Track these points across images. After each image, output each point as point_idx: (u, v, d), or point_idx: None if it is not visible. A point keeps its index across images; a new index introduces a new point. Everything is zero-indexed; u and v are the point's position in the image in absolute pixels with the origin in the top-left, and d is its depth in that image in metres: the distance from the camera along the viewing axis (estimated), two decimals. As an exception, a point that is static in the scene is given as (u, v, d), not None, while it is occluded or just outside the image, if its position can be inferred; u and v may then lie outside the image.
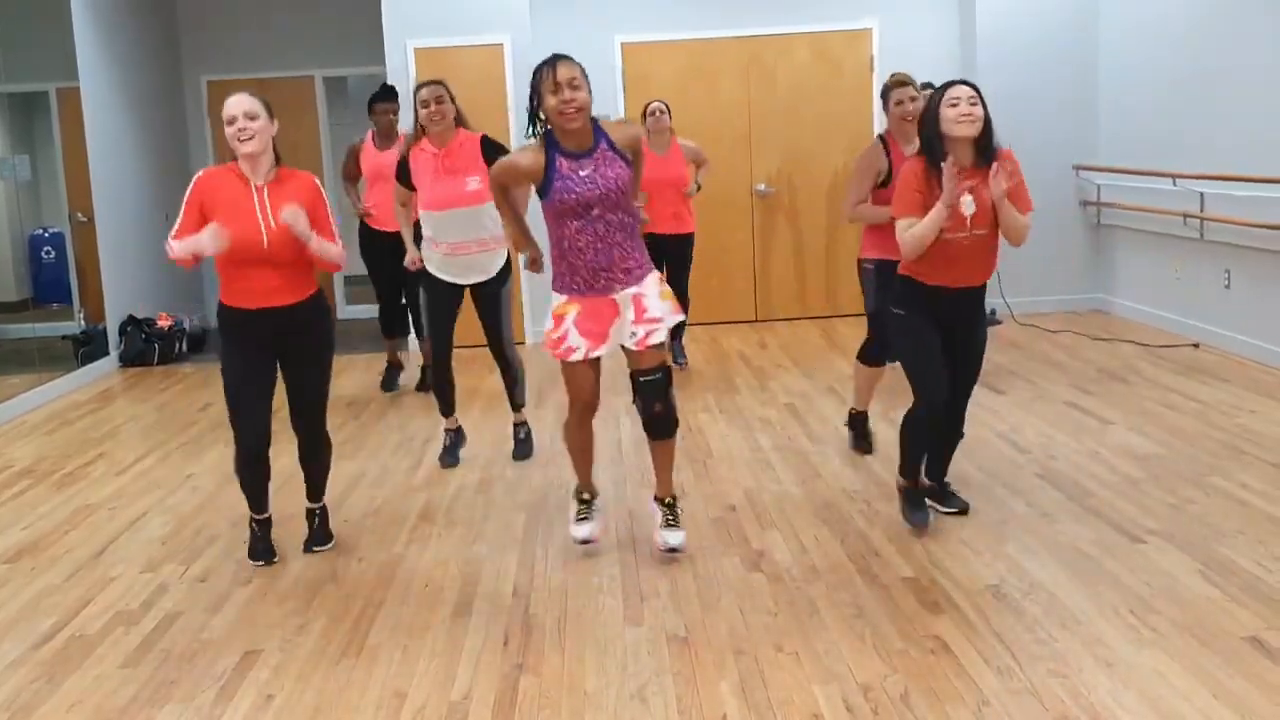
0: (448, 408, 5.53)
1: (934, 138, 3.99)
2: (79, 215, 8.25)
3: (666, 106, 7.27)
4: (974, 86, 4.03)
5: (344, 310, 10.39)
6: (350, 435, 6.10)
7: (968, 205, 3.95)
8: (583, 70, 3.77)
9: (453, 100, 5.13)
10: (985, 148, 3.99)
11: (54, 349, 8.04)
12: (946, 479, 4.46)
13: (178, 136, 9.82)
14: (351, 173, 6.97)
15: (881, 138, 5.12)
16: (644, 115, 7.26)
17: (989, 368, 6.83)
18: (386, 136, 6.78)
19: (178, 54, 9.93)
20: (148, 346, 8.42)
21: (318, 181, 4.12)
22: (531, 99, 3.80)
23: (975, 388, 4.34)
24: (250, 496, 4.28)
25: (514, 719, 3.05)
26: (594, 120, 3.84)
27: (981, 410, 5.94)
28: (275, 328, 4.05)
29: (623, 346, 4.00)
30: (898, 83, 5.09)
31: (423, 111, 5.08)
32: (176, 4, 9.94)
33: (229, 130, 3.89)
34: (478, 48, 8.37)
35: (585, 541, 4.22)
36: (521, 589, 3.92)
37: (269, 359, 4.14)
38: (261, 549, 4.30)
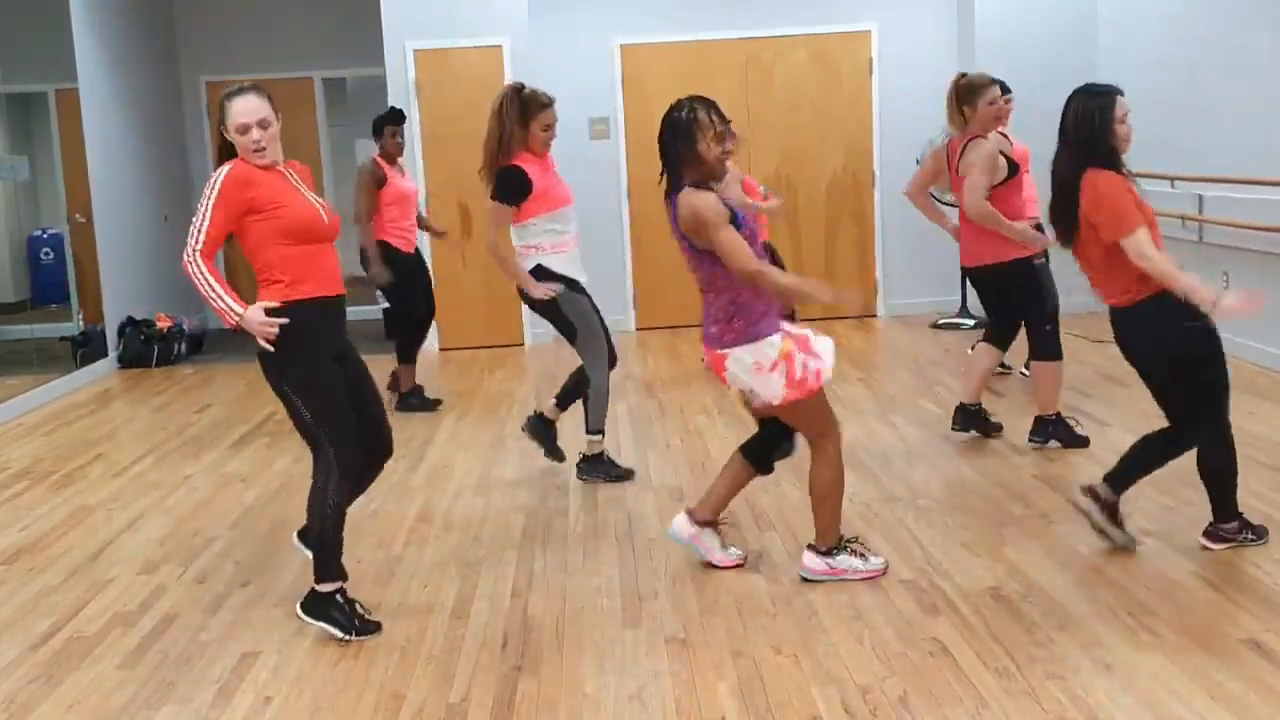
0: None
1: (1111, 150, 3.86)
2: (77, 216, 8.24)
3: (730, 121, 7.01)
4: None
5: (351, 311, 10.37)
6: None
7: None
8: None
9: None
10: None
11: (52, 350, 8.04)
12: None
13: (176, 138, 9.82)
14: (374, 204, 6.47)
15: (952, 137, 5.29)
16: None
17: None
18: (393, 160, 6.58)
19: (176, 55, 9.93)
20: (146, 348, 8.41)
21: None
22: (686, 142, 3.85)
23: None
24: (338, 546, 3.65)
25: (512, 721, 3.05)
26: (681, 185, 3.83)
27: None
28: (340, 318, 3.72)
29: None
30: (992, 82, 5.16)
31: (547, 133, 4.95)
32: (175, 5, 9.94)
33: (243, 139, 3.49)
34: (477, 49, 8.37)
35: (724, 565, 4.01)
36: (520, 590, 3.92)
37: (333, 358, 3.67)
38: (372, 621, 3.67)
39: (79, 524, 4.88)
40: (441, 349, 8.55)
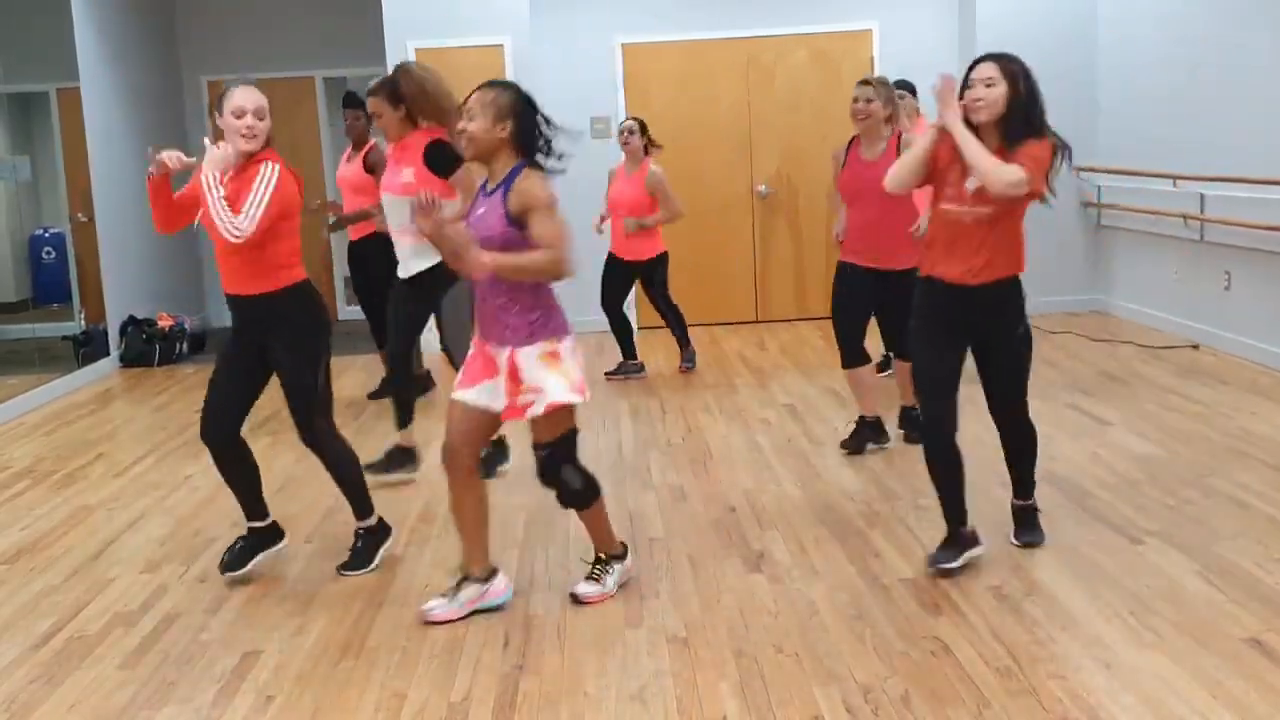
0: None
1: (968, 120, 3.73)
2: (79, 215, 8.25)
3: (638, 126, 7.05)
4: (1001, 62, 3.76)
5: (344, 311, 10.39)
6: (349, 437, 6.06)
7: (972, 181, 3.69)
8: (495, 100, 3.50)
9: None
10: (1009, 132, 3.70)
11: (54, 349, 8.05)
12: (1030, 501, 4.15)
13: (178, 137, 9.81)
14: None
15: (851, 139, 5.28)
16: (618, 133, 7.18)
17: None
18: (359, 144, 6.61)
19: (177, 55, 9.93)
20: (148, 347, 8.41)
21: (273, 168, 3.79)
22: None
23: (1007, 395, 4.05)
24: (236, 496, 4.14)
25: (513, 720, 3.05)
26: (524, 164, 3.53)
27: (981, 411, 5.92)
28: (243, 318, 3.96)
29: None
30: (859, 81, 5.22)
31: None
32: (176, 4, 9.94)
33: (235, 123, 3.74)
34: (478, 48, 8.36)
35: (425, 618, 3.68)
36: (521, 589, 3.92)
37: (244, 350, 3.98)
38: (226, 558, 4.11)
39: (80, 524, 4.88)
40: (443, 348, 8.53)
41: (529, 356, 3.53)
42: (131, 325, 8.47)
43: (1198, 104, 7.27)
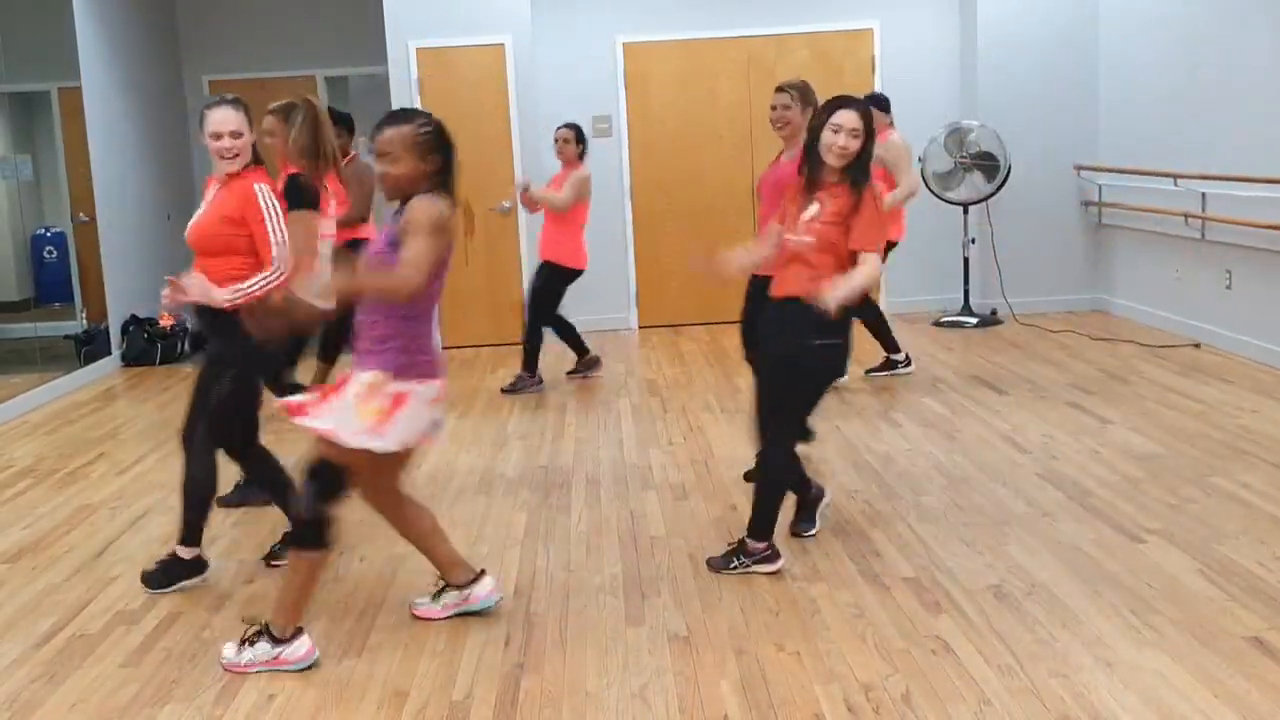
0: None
1: (812, 151, 3.88)
2: (81, 215, 8.25)
3: (574, 134, 6.80)
4: (865, 113, 3.83)
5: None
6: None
7: (813, 208, 3.85)
8: (417, 138, 3.25)
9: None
10: (855, 179, 3.83)
11: (56, 348, 8.05)
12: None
13: (179, 136, 9.82)
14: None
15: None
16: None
17: (990, 367, 6.84)
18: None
19: (179, 54, 9.94)
20: (150, 346, 8.42)
21: (258, 188, 3.90)
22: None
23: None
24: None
25: (515, 718, 3.05)
26: (416, 195, 3.27)
27: (983, 410, 5.94)
28: (206, 328, 4.00)
29: None
30: (776, 88, 5.02)
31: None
32: (178, 4, 9.94)
33: (215, 144, 3.87)
34: (479, 48, 8.37)
35: (412, 612, 3.72)
36: (523, 588, 3.93)
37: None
38: (276, 547, 4.22)
39: (82, 522, 4.89)
40: (444, 347, 8.55)
41: (355, 383, 3.30)
42: (133, 324, 8.48)
43: (1198, 103, 7.27)
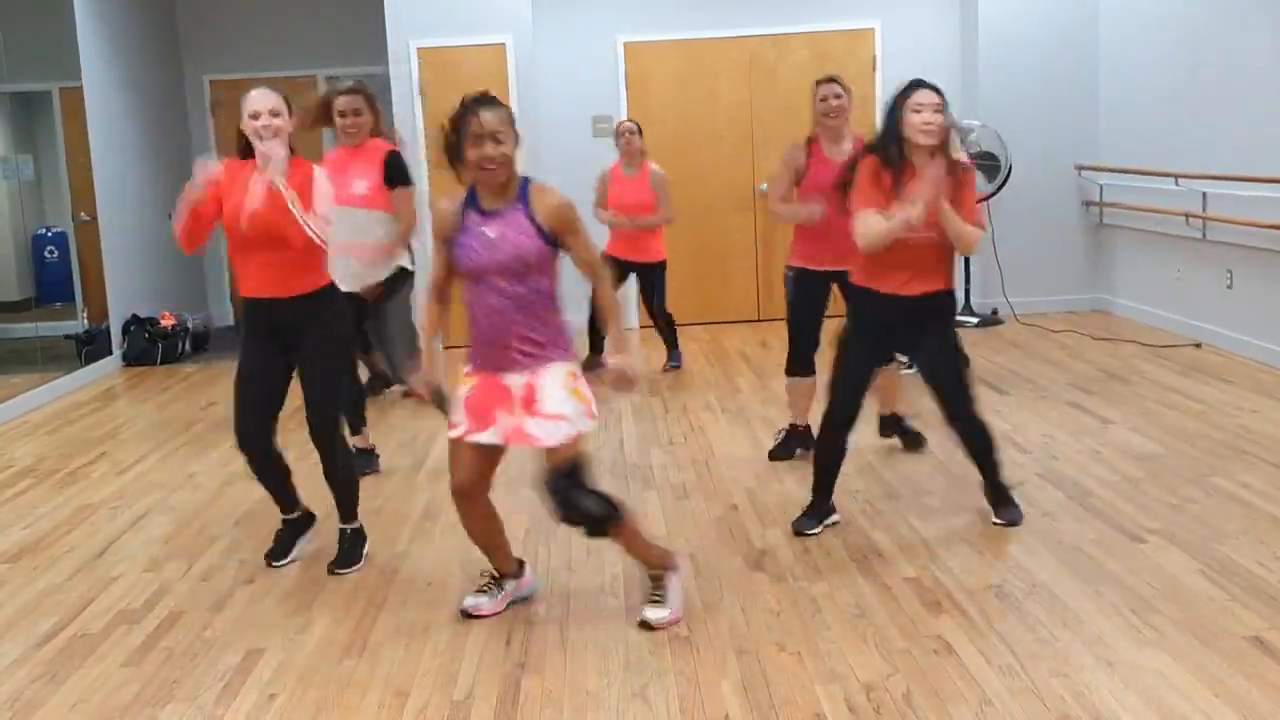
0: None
1: (893, 138, 3.95)
2: (82, 215, 8.26)
3: (638, 127, 7.15)
4: (939, 92, 3.95)
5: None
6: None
7: (918, 205, 3.88)
8: (510, 117, 3.37)
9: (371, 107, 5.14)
10: (950, 158, 3.97)
11: (57, 348, 8.05)
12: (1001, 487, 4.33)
13: (180, 136, 9.83)
14: None
15: (809, 139, 5.06)
16: (615, 134, 7.24)
17: (990, 367, 6.83)
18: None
19: (180, 53, 9.94)
20: (151, 346, 8.42)
21: (319, 170, 3.96)
22: (454, 140, 3.36)
23: (975, 392, 4.30)
24: (270, 494, 4.26)
25: (516, 718, 3.05)
26: (525, 180, 3.41)
27: (984, 409, 5.92)
28: (274, 321, 3.98)
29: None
30: (824, 79, 5.02)
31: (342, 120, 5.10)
32: (178, 3, 9.94)
33: (254, 124, 3.81)
34: (480, 47, 8.37)
35: (468, 613, 3.68)
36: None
37: (271, 356, 4.03)
38: (272, 547, 4.27)
39: (83, 522, 4.89)
40: (445, 347, 8.53)
41: (552, 381, 3.40)
42: (134, 324, 8.48)
43: (1198, 103, 7.26)
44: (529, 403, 3.40)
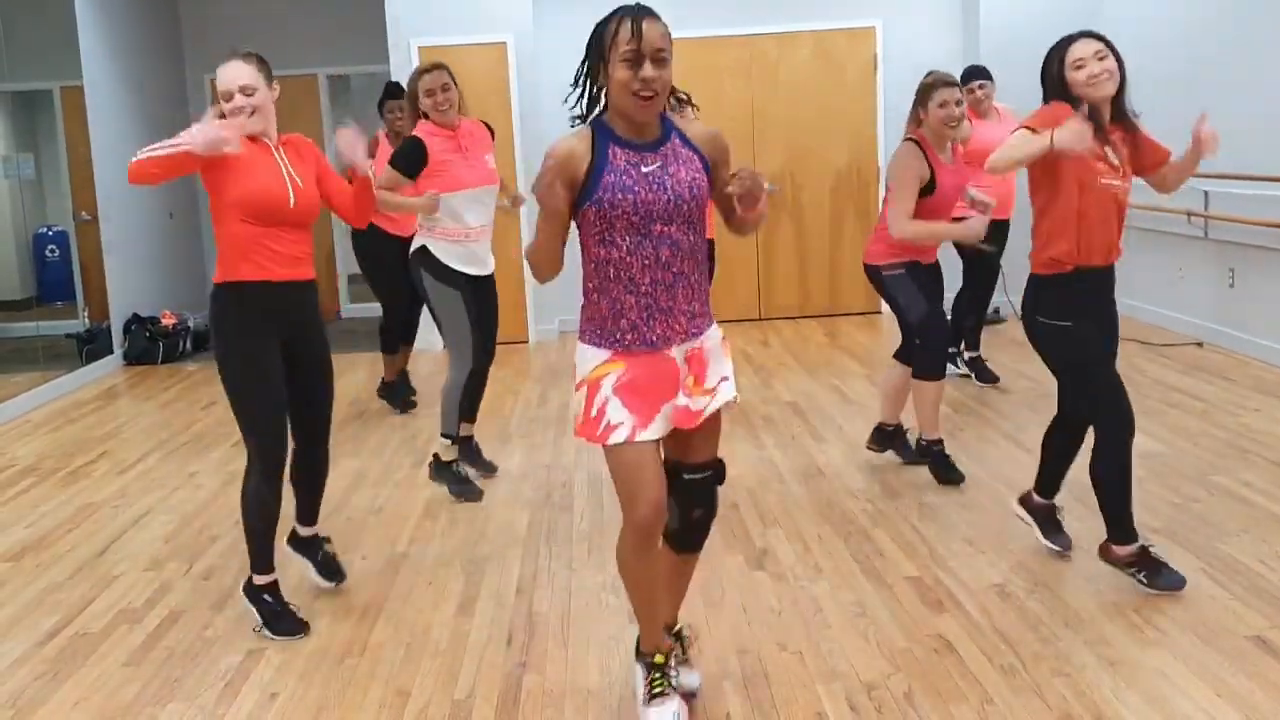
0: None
1: (1073, 101, 3.60)
2: (83, 214, 8.26)
3: (689, 96, 6.93)
4: (1101, 38, 3.61)
5: (346, 309, 10.41)
6: (353, 433, 6.11)
7: (1112, 156, 3.65)
8: (669, 35, 2.79)
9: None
10: (1121, 101, 3.63)
11: (58, 347, 8.06)
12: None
13: (181, 135, 9.83)
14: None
15: (915, 141, 4.59)
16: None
17: (992, 366, 6.82)
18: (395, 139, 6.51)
19: (181, 52, 9.95)
20: (152, 345, 8.43)
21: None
22: (590, 67, 2.79)
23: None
24: (264, 543, 3.64)
25: (517, 718, 3.05)
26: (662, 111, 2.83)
27: (985, 408, 5.94)
28: (290, 305, 3.55)
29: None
30: (942, 81, 4.57)
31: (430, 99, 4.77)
32: (180, 2, 9.95)
33: (226, 106, 3.44)
34: (481, 46, 8.37)
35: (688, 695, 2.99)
36: (525, 587, 3.93)
37: (276, 350, 3.56)
38: (291, 620, 3.65)
39: (84, 521, 4.89)
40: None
41: (714, 344, 2.91)
42: (135, 323, 8.49)
43: (1200, 102, 7.22)
44: (699, 379, 2.85)
